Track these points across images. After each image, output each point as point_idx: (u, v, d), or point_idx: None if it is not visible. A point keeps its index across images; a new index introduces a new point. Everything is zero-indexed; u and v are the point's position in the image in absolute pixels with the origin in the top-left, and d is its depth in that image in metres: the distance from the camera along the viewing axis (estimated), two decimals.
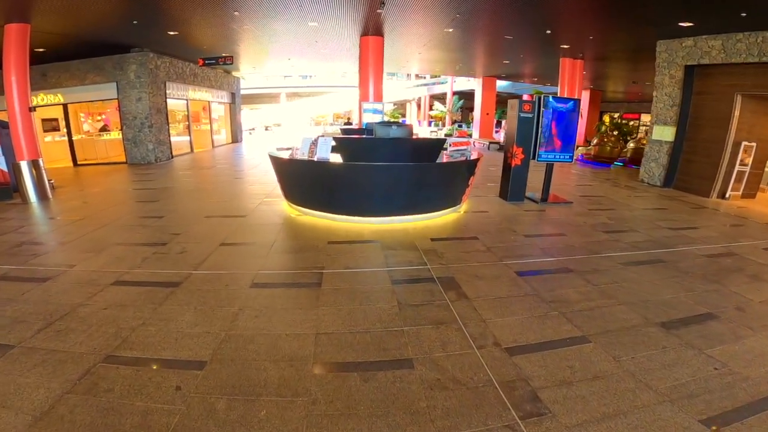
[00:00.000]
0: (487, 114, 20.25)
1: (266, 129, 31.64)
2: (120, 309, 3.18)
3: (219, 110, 17.74)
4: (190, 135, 14.17)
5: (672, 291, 3.70)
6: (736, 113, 8.36)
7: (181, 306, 3.21)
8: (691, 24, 7.85)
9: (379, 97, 11.17)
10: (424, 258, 4.12)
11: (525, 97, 6.75)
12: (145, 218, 5.55)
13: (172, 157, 12.45)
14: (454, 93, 27.03)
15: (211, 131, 16.31)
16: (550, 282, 3.75)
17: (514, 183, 6.51)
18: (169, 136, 12.23)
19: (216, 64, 10.80)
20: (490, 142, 17.75)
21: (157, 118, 11.57)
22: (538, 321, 3.08)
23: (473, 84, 26.35)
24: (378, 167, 4.87)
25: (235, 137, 18.87)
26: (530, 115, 6.22)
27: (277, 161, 5.42)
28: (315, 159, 5.00)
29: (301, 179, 5.23)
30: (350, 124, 16.91)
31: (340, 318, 3.03)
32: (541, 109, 6.22)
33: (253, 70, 20.98)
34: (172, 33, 9.67)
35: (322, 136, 5.06)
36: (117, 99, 11.23)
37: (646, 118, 26.19)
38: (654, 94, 9.74)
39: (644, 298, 3.54)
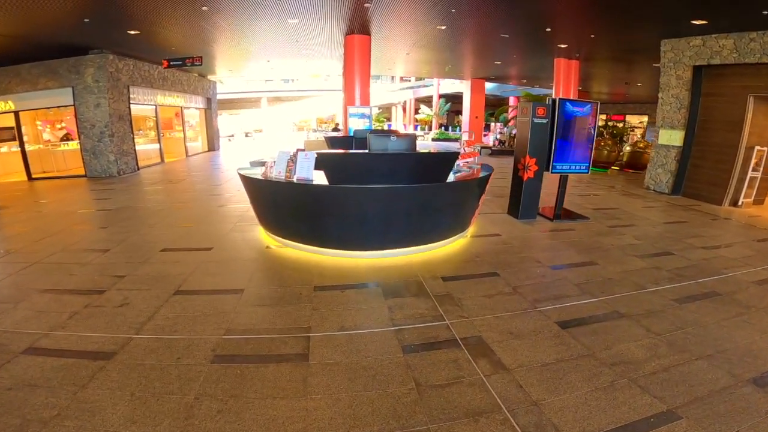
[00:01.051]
0: (477, 117, 19.67)
1: (246, 135, 30.41)
2: (29, 390, 2.26)
3: (193, 116, 16.59)
4: (160, 144, 13.03)
5: (744, 333, 3.01)
6: (749, 116, 7.85)
7: (112, 390, 2.28)
8: (704, 22, 7.30)
9: (366, 101, 10.34)
10: (439, 308, 3.25)
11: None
12: (87, 252, 4.51)
13: (138, 168, 11.30)
14: (441, 96, 26.47)
15: (184, 139, 15.16)
16: (602, 334, 2.95)
17: (526, 199, 5.73)
18: (134, 145, 11.08)
19: (183, 65, 9.76)
20: (482, 147, 17.10)
21: (120, 126, 10.43)
22: (606, 395, 2.28)
23: (459, 86, 25.86)
24: (374, 191, 3.90)
25: (212, 145, 17.73)
26: (545, 121, 5.45)
27: (248, 182, 4.47)
28: (294, 179, 4.12)
29: (279, 204, 4.31)
30: (338, 130, 15.95)
31: (339, 413, 2.13)
32: (557, 113, 5.46)
33: (230, 73, 19.93)
34: (133, 32, 8.62)
35: (302, 150, 4.14)
36: (73, 105, 10.06)
37: (631, 119, 26.12)
38: (659, 95, 9.19)
39: (719, 346, 2.81)
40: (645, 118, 24.11)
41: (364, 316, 3.11)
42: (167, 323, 2.99)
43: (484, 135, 20.49)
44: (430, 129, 27.81)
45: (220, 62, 14.63)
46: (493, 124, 21.12)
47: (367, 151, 4.28)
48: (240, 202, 6.80)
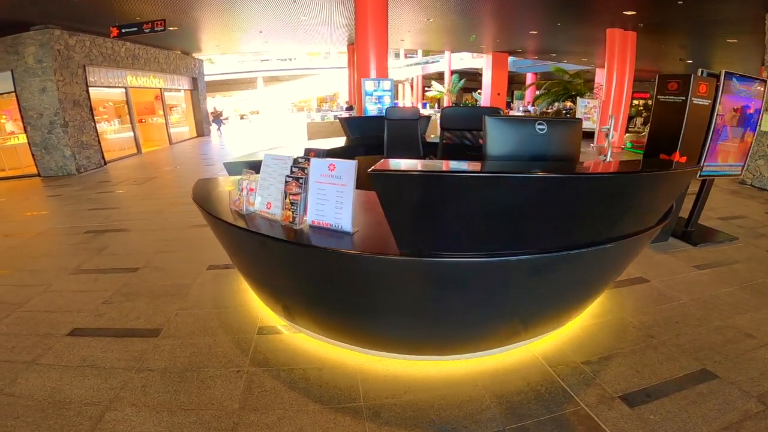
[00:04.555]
0: (498, 94, 17.46)
1: (242, 118, 28.20)
2: None
3: (176, 99, 14.42)
4: (134, 132, 10.92)
5: None
6: None
7: None
8: None
9: (384, 72, 8.19)
10: None
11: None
12: None
13: (105, 163, 9.24)
14: (452, 72, 24.13)
15: (166, 125, 13.04)
16: None
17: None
18: (98, 135, 9.00)
19: (140, 32, 7.50)
20: None
21: (75, 114, 8.34)
22: None
23: (471, 62, 23.49)
24: (518, 265, 1.70)
25: (201, 130, 15.61)
26: (707, 102, 3.46)
27: (216, 226, 2.32)
28: (305, 223, 1.97)
29: (281, 272, 2.16)
30: (351, 109, 13.71)
31: None
32: (720, 92, 3.43)
33: (218, 49, 17.52)
34: None
35: (314, 152, 2.09)
36: (14, 92, 7.95)
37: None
38: (765, 76, 7.10)
39: None
40: None
41: None
42: None
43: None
44: (439, 107, 25.55)
45: (205, 35, 12.37)
46: (521, 102, 18.98)
47: (475, 168, 1.82)
48: None
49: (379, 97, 7.78)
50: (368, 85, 7.72)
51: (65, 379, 2.07)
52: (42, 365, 2.21)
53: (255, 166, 3.89)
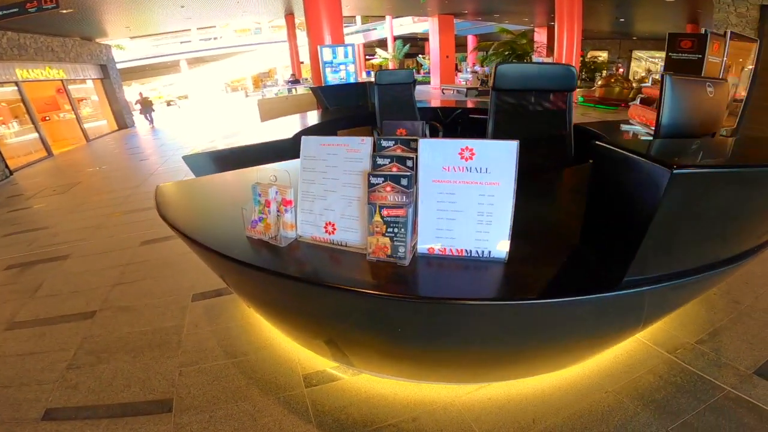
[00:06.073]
0: (447, 57, 17.09)
1: (169, 104, 25.38)
2: None
3: (85, 91, 12.39)
4: (39, 132, 9.11)
5: None
6: None
7: None
8: None
9: (339, 38, 7.35)
10: None
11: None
12: None
13: (11, 172, 7.58)
14: (395, 38, 23.44)
15: (78, 120, 11.14)
16: None
17: None
18: None
19: (22, 14, 5.85)
20: (468, 88, 14.71)
21: None
22: None
23: (413, 27, 22.87)
24: None
25: (122, 122, 13.66)
26: (718, 60, 3.50)
27: (246, 274, 1.31)
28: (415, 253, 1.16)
29: (362, 327, 1.30)
30: (297, 82, 12.77)
31: None
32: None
33: (127, 31, 15.09)
34: None
35: (409, 132, 1.21)
36: None
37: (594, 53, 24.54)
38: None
39: None
40: (605, 54, 22.97)
41: None
42: None
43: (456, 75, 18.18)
44: None
45: (111, 15, 10.49)
46: (466, 64, 18.87)
47: None
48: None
49: (340, 64, 6.95)
50: (327, 55, 6.84)
51: None
52: None
53: (222, 158, 3.03)
